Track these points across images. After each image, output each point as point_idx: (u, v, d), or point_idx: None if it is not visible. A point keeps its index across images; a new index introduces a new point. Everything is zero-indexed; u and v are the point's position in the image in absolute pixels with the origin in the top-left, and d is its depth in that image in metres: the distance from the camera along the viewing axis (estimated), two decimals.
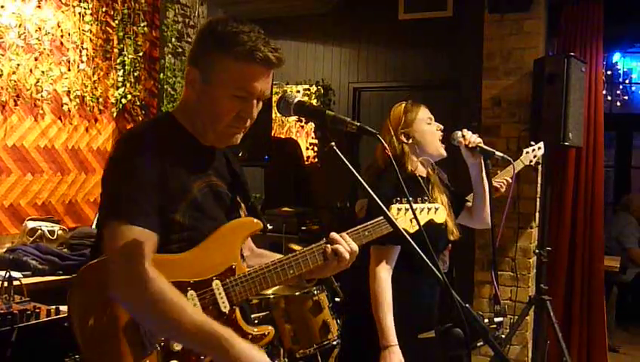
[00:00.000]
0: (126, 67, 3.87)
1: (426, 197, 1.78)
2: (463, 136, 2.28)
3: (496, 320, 2.05)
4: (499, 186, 2.56)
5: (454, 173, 2.54)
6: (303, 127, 5.26)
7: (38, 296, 2.38)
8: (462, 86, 4.52)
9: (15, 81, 3.26)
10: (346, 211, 4.43)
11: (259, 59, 1.36)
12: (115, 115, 3.85)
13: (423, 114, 2.27)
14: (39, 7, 3.38)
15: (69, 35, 3.56)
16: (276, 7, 4.83)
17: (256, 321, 3.06)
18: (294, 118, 5.23)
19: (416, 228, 1.64)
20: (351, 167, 1.28)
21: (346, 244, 1.49)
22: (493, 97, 4.20)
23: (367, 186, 1.29)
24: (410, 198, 1.64)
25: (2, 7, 3.18)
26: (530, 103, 4.03)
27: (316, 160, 5.17)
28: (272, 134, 4.90)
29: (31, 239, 3.07)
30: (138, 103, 3.95)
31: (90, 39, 3.68)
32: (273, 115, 4.81)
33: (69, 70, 3.57)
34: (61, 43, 3.52)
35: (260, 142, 3.72)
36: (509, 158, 2.38)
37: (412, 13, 4.68)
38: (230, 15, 1.41)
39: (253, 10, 4.60)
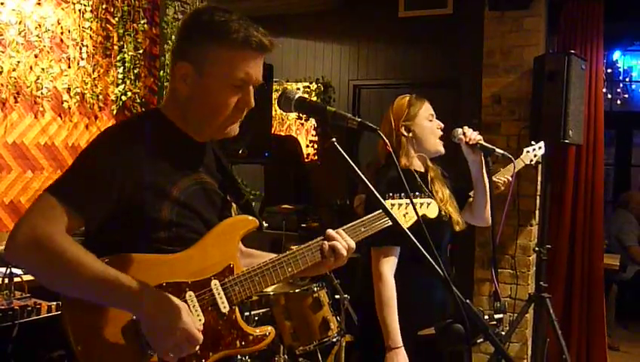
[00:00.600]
0: (126, 64, 3.87)
1: (417, 193, 1.75)
2: (464, 133, 2.28)
3: (497, 317, 2.05)
4: (499, 183, 2.55)
5: (454, 170, 2.54)
6: (303, 124, 5.26)
7: (38, 292, 2.38)
8: (462, 83, 4.52)
9: (15, 78, 3.26)
10: (345, 208, 4.43)
11: (254, 45, 1.35)
12: (115, 112, 3.85)
13: (426, 110, 2.28)
14: (39, 4, 3.37)
15: (69, 32, 3.56)
16: (276, 5, 4.82)
17: (256, 318, 3.08)
18: (294, 115, 5.23)
19: (410, 223, 1.63)
20: (351, 162, 1.28)
21: (343, 241, 1.49)
22: (494, 95, 4.20)
23: (367, 181, 1.29)
24: (403, 194, 1.65)
25: (2, 4, 3.18)
26: (530, 101, 4.02)
27: (316, 157, 5.16)
28: (272, 131, 4.89)
29: None
30: (138, 100, 3.95)
31: (91, 36, 3.67)
32: (273, 113, 4.81)
33: (69, 67, 3.57)
34: (61, 40, 3.52)
35: (260, 140, 3.71)
36: (510, 156, 2.38)
37: (412, 11, 4.67)
38: (210, 4, 1.38)
39: (253, 7, 4.59)
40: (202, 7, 1.43)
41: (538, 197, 4.18)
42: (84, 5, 3.60)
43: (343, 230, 1.53)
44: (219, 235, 1.43)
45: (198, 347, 1.30)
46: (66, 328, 1.28)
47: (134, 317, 1.29)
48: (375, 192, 1.27)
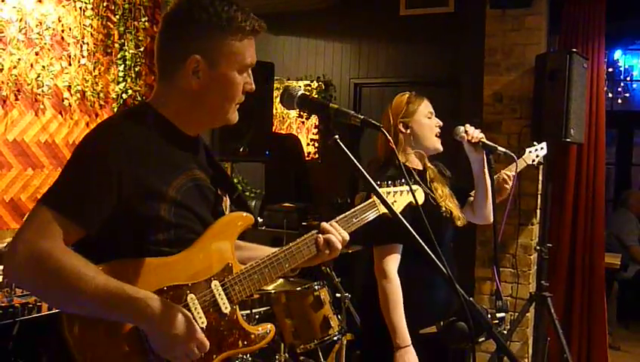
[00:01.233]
0: (127, 62, 3.86)
1: (403, 180, 1.71)
2: (466, 131, 2.28)
3: (499, 315, 2.05)
4: (505, 179, 2.51)
5: (455, 169, 2.53)
6: (303, 122, 5.26)
7: None
8: (463, 82, 4.51)
9: (16, 76, 3.25)
10: (346, 207, 4.41)
11: (257, 30, 1.39)
12: (115, 110, 3.84)
13: (425, 107, 2.27)
14: (40, 1, 3.37)
15: (70, 29, 3.55)
16: (276, 3, 4.82)
17: (256, 316, 3.08)
18: (295, 113, 5.23)
19: (399, 210, 1.62)
20: (354, 159, 1.27)
21: (337, 233, 1.49)
22: (495, 93, 4.19)
23: (369, 178, 1.28)
24: (390, 182, 1.65)
25: (3, 1, 3.17)
26: (531, 99, 4.01)
27: (317, 156, 5.16)
28: (273, 130, 4.89)
29: None
30: (139, 98, 3.94)
31: (91, 34, 3.67)
32: (274, 111, 4.80)
33: (70, 65, 3.56)
34: (62, 38, 3.52)
35: (261, 138, 3.71)
36: (512, 154, 2.37)
37: (413, 9, 4.66)
38: None
39: (254, 5, 4.56)
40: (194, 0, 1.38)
41: (539, 196, 4.17)
42: (85, 3, 3.60)
43: (336, 222, 1.53)
44: (216, 235, 1.41)
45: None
46: (66, 337, 1.25)
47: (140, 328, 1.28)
48: (376, 186, 1.27)
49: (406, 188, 1.67)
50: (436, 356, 2.15)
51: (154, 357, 1.28)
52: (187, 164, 1.41)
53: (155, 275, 1.31)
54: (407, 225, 1.26)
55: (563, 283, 4.23)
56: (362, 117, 1.33)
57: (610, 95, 6.96)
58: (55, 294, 1.24)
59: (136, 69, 3.92)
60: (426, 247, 1.20)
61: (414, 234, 1.23)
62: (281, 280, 3.17)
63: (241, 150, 3.50)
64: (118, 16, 3.81)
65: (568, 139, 3.64)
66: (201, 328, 1.32)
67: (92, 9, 3.65)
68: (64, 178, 1.28)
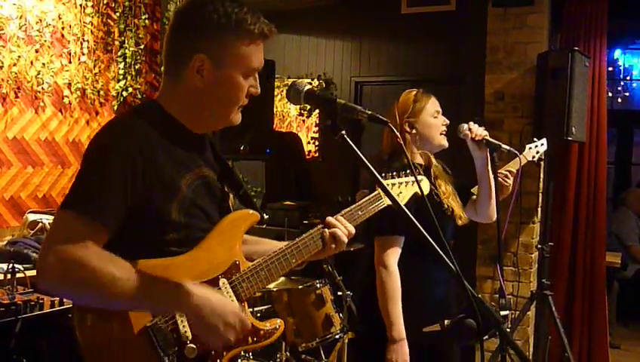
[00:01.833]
0: (127, 60, 3.85)
1: (408, 170, 1.71)
2: (470, 128, 2.27)
3: (502, 313, 2.04)
4: (506, 174, 2.51)
5: (458, 168, 2.52)
6: (304, 121, 5.24)
7: (39, 288, 2.36)
8: (465, 80, 4.50)
9: (16, 73, 3.24)
10: (347, 205, 4.40)
11: (266, 35, 1.38)
12: (116, 108, 3.83)
13: (432, 106, 2.25)
14: None
15: (70, 27, 3.53)
16: (277, 1, 4.80)
17: (258, 314, 3.06)
18: (295, 112, 5.22)
19: (403, 202, 1.61)
20: (360, 154, 1.26)
21: (343, 227, 1.50)
22: (497, 91, 4.19)
23: (375, 173, 1.27)
24: (395, 173, 1.64)
25: None
26: (533, 98, 4.01)
27: (317, 154, 5.15)
28: (273, 128, 4.87)
29: (32, 232, 3.06)
30: (139, 96, 3.93)
31: (91, 31, 3.65)
32: (274, 110, 4.79)
33: (70, 62, 3.55)
34: (62, 35, 3.50)
35: (262, 136, 3.70)
36: (516, 151, 2.37)
37: (415, 7, 4.65)
38: None
39: (255, 3, 4.55)
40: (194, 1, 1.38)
41: (540, 194, 4.17)
42: (85, 0, 3.58)
43: (342, 215, 1.54)
44: (223, 233, 1.41)
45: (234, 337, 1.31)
46: (78, 336, 1.27)
47: (177, 314, 1.30)
48: (380, 179, 1.26)
49: (411, 178, 1.67)
50: (438, 354, 2.15)
51: (165, 355, 1.29)
52: (194, 161, 1.40)
53: (165, 276, 1.30)
54: (412, 217, 1.25)
55: (564, 282, 4.23)
56: (370, 112, 1.32)
57: (610, 94, 6.96)
58: (93, 299, 1.25)
59: (137, 67, 3.91)
60: (430, 240, 1.20)
61: (419, 226, 1.22)
62: (282, 278, 3.16)
63: (241, 148, 3.50)
64: (118, 14, 3.80)
65: (570, 138, 3.63)
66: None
67: (92, 6, 3.63)
68: (81, 180, 1.28)
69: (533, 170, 4.04)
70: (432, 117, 2.24)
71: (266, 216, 1.51)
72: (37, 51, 3.34)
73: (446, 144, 2.27)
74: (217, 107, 1.39)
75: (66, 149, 3.56)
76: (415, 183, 1.67)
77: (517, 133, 4.09)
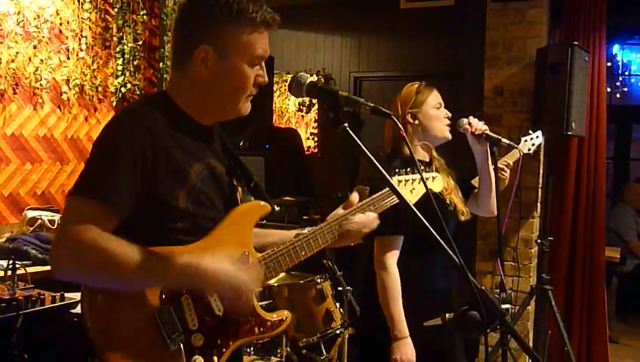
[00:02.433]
0: (125, 56, 3.83)
1: (423, 167, 1.73)
2: (470, 123, 2.26)
3: (503, 307, 2.04)
4: (503, 167, 2.52)
5: (459, 162, 2.53)
6: (303, 117, 5.24)
7: (42, 283, 2.35)
8: (464, 75, 4.50)
9: (14, 70, 3.22)
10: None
11: (269, 22, 1.39)
12: (114, 104, 3.82)
13: (434, 98, 2.26)
14: None
15: (68, 22, 3.52)
16: None
17: None
18: (294, 108, 5.21)
19: (417, 198, 1.62)
20: (364, 148, 1.26)
21: (358, 226, 1.54)
22: (496, 86, 4.18)
23: (378, 164, 1.27)
24: (409, 169, 1.65)
25: None
26: (532, 93, 4.01)
27: (316, 150, 5.14)
28: (273, 124, 4.87)
29: (31, 228, 3.05)
30: (138, 92, 3.92)
31: (90, 27, 3.64)
32: (273, 105, 4.79)
33: (69, 58, 3.53)
34: (60, 31, 3.48)
35: (261, 132, 3.70)
36: (515, 145, 2.37)
37: (414, 2, 4.65)
38: None
39: None
40: None
41: (540, 189, 4.17)
42: None
43: (352, 213, 1.56)
44: (233, 223, 1.42)
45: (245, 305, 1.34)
46: (87, 320, 1.28)
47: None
48: (386, 175, 1.26)
49: (427, 174, 1.69)
50: (441, 348, 2.15)
51: (170, 342, 1.30)
52: (202, 152, 1.41)
53: None
54: (420, 216, 1.24)
55: (564, 277, 4.23)
56: (372, 105, 1.32)
57: (608, 89, 6.96)
58: (107, 280, 1.26)
59: (135, 63, 3.89)
60: (438, 237, 1.19)
61: (427, 225, 1.22)
62: (282, 274, 3.15)
63: (241, 144, 3.50)
64: (116, 10, 3.78)
65: (569, 133, 3.64)
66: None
67: (90, 2, 3.61)
68: (91, 166, 1.30)
69: (532, 165, 4.05)
70: (435, 108, 2.24)
71: (277, 208, 1.52)
72: (35, 47, 3.33)
73: (450, 136, 2.27)
74: (224, 97, 1.40)
75: (65, 146, 3.55)
76: (428, 180, 1.71)
77: (516, 128, 4.08)
